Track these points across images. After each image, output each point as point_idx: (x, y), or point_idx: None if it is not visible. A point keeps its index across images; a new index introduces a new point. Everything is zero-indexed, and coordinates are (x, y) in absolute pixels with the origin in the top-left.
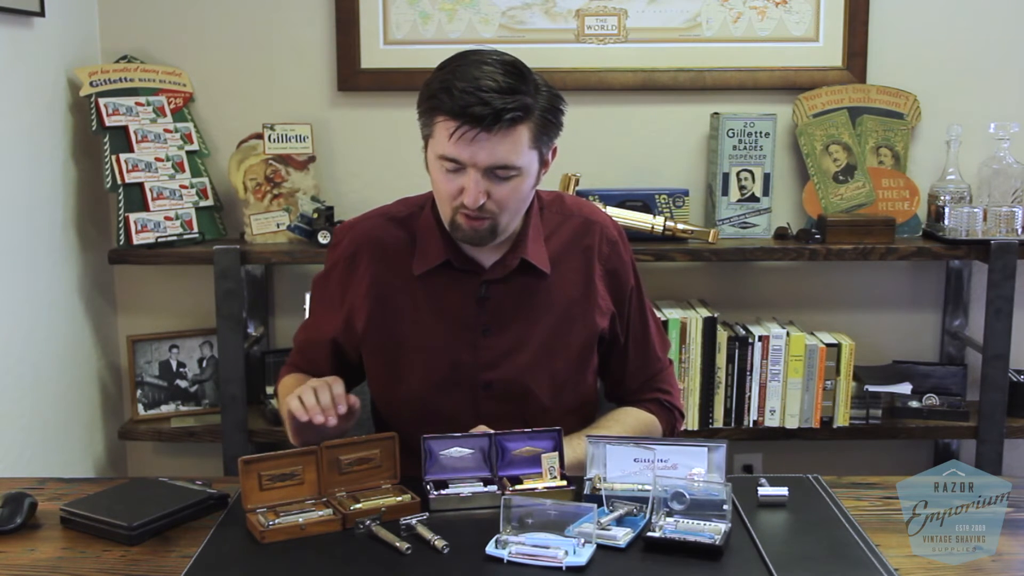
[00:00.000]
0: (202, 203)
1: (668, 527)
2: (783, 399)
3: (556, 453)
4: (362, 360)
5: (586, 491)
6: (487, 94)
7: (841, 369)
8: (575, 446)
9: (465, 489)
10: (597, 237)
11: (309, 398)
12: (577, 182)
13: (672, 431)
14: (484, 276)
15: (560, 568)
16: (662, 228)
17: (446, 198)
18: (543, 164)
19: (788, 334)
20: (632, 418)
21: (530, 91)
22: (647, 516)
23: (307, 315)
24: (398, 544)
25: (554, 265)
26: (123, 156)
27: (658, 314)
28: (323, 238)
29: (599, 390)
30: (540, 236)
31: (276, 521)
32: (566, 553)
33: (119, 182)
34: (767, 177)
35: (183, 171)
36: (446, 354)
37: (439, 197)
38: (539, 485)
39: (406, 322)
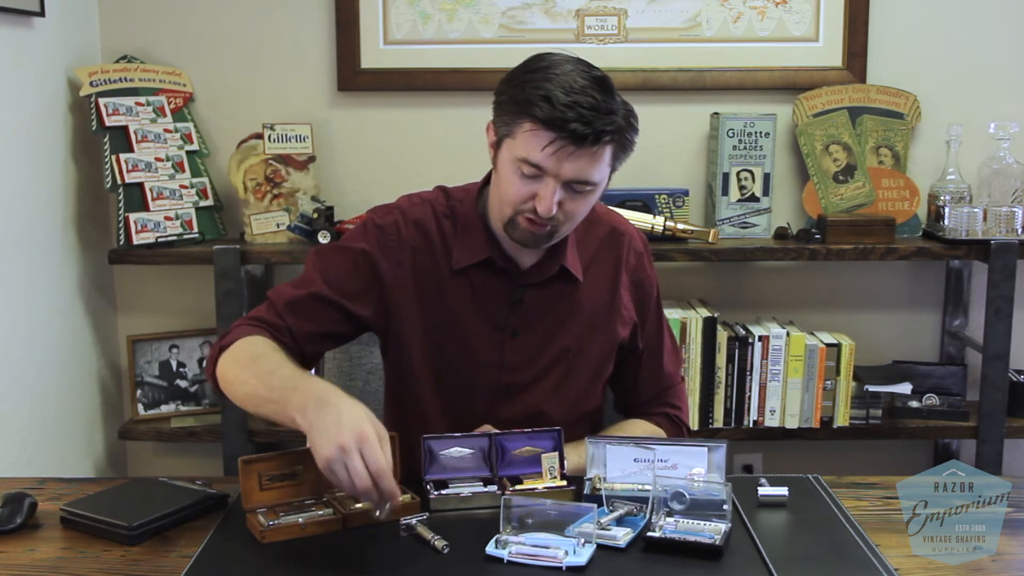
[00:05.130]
0: (202, 203)
1: (668, 527)
2: (783, 399)
3: (556, 453)
4: (363, 337)
5: (586, 491)
6: (587, 111)
7: (841, 369)
8: (581, 452)
9: (465, 489)
10: (625, 247)
11: (358, 467)
12: None
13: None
14: (521, 280)
15: (560, 568)
16: (662, 228)
17: (513, 200)
18: (609, 180)
19: (788, 334)
20: (640, 429)
21: (619, 111)
22: (647, 516)
23: (315, 271)
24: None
25: (583, 272)
26: (123, 156)
27: None
28: (323, 238)
29: (607, 400)
30: (575, 245)
31: (276, 521)
32: (566, 553)
33: (119, 182)
34: (767, 177)
35: (183, 171)
36: (473, 352)
37: (503, 196)
38: (539, 485)
39: (437, 316)
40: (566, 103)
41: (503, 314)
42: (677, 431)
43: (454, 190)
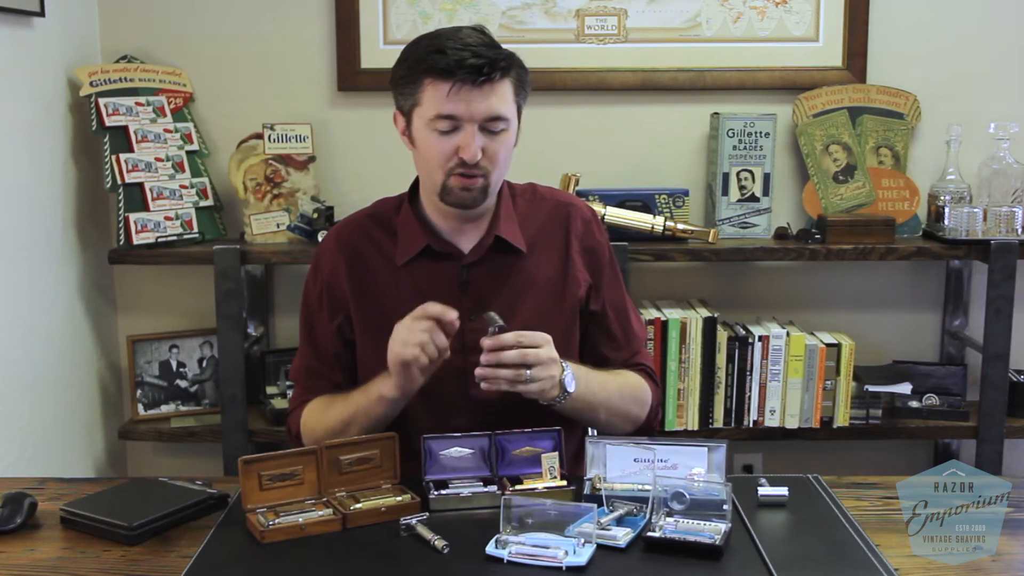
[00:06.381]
0: (202, 203)
1: (668, 527)
2: (783, 399)
3: (556, 453)
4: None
5: (586, 491)
6: (476, 47)
7: (841, 369)
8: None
9: (465, 489)
10: (572, 217)
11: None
12: (577, 182)
13: (657, 406)
14: (463, 261)
15: (560, 568)
16: (662, 228)
17: (439, 161)
18: (519, 122)
19: (788, 334)
20: (632, 376)
21: (503, 48)
22: (647, 516)
23: (301, 342)
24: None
25: (532, 247)
26: (123, 156)
27: (658, 314)
28: (322, 238)
29: None
30: (513, 217)
31: (276, 521)
32: (566, 553)
33: (119, 182)
34: (767, 177)
35: (183, 171)
36: None
37: (429, 164)
38: (539, 485)
39: (394, 314)
40: (456, 47)
41: (455, 299)
42: (656, 389)
43: (390, 199)
